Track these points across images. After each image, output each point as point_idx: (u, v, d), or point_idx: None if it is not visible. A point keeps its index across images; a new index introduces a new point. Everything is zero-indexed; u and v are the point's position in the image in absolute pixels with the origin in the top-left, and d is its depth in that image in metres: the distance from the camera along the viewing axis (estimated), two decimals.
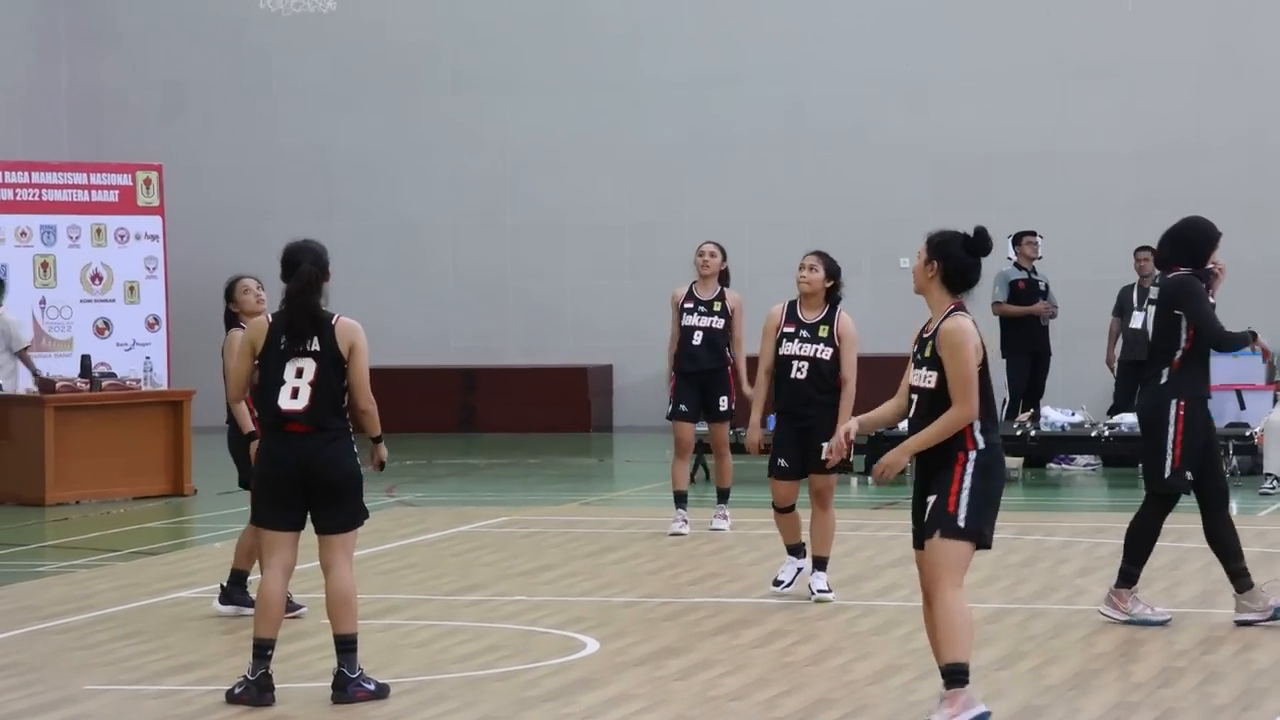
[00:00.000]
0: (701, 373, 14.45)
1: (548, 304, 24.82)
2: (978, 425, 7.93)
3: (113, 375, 18.59)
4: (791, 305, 11.61)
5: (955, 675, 7.93)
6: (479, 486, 18.98)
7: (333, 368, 8.88)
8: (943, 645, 7.95)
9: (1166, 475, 10.45)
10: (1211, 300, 10.68)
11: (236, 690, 8.83)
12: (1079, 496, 17.91)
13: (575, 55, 24.67)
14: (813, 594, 11.51)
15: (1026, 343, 19.87)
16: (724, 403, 14.50)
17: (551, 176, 24.70)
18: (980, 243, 8.07)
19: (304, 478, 8.84)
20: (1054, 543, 13.94)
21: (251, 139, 25.53)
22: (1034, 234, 20.14)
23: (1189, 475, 10.46)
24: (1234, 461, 17.75)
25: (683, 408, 14.53)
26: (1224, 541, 10.56)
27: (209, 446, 21.67)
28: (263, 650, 8.83)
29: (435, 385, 24.47)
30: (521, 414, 24.03)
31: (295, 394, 8.84)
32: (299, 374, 8.86)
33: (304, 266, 8.96)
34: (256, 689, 8.79)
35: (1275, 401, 18.22)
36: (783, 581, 11.70)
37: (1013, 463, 18.50)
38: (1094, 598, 11.55)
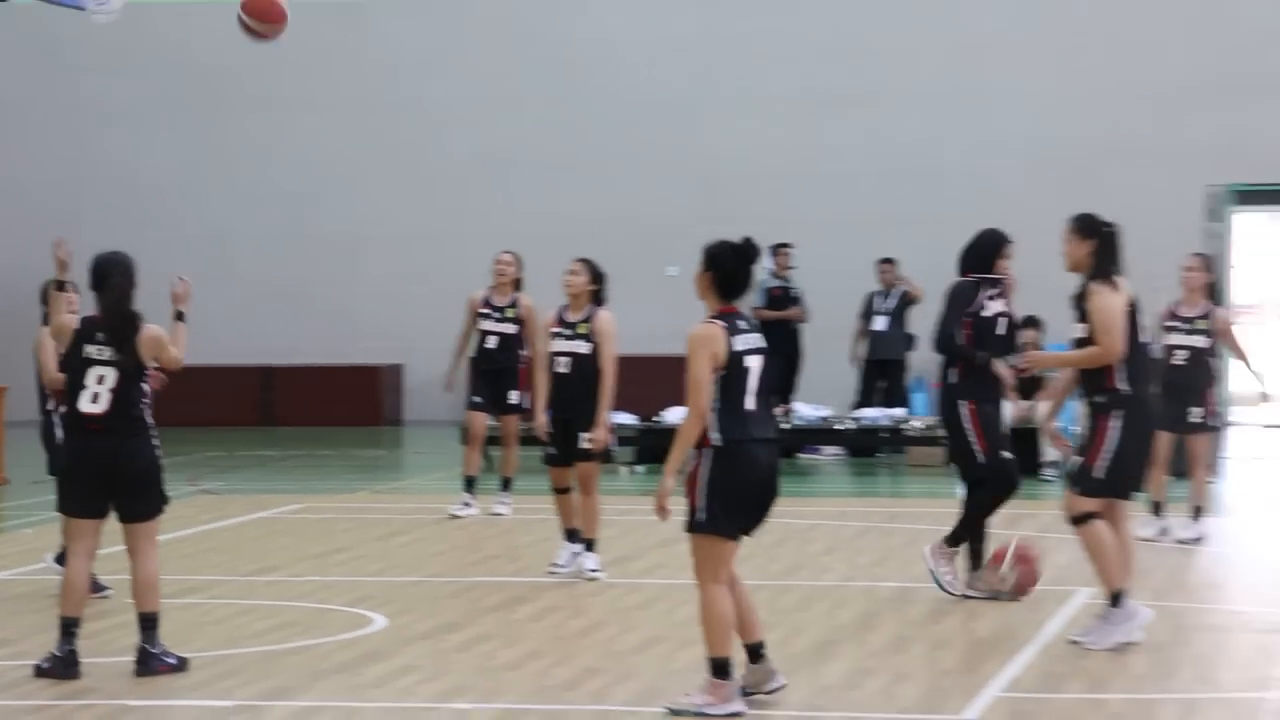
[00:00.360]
0: (495, 370, 14.50)
1: (344, 308, 24.69)
2: (715, 423, 7.83)
3: None
4: (563, 308, 11.70)
5: (714, 667, 7.89)
6: (276, 476, 18.81)
7: (134, 374, 8.86)
8: (705, 638, 7.92)
9: (983, 461, 10.51)
10: (1004, 308, 10.72)
11: (44, 665, 8.70)
12: (825, 483, 18.18)
13: (371, 78, 24.55)
14: (584, 573, 11.59)
15: (780, 344, 20.10)
16: (514, 396, 14.55)
17: (349, 191, 24.55)
18: (748, 252, 8.04)
19: (105, 472, 8.81)
20: (802, 525, 14.12)
21: (66, 153, 25.07)
22: (788, 245, 20.42)
23: (1005, 454, 10.53)
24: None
25: (476, 399, 14.59)
26: (976, 521, 10.66)
27: (22, 439, 21.27)
28: (69, 628, 8.75)
29: (237, 382, 24.26)
30: (317, 410, 23.92)
31: (95, 399, 8.82)
32: (100, 380, 8.83)
33: (114, 279, 8.90)
34: (63, 664, 8.68)
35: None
36: (559, 565, 11.74)
37: None
38: (837, 574, 11.75)
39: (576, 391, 11.55)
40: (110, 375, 8.83)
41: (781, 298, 20.21)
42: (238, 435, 22.70)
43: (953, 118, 23.24)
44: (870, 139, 23.42)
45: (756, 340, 8.00)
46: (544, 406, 11.74)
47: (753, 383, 7.92)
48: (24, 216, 24.72)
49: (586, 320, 11.58)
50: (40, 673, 8.68)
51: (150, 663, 8.76)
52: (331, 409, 23.87)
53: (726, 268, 8.01)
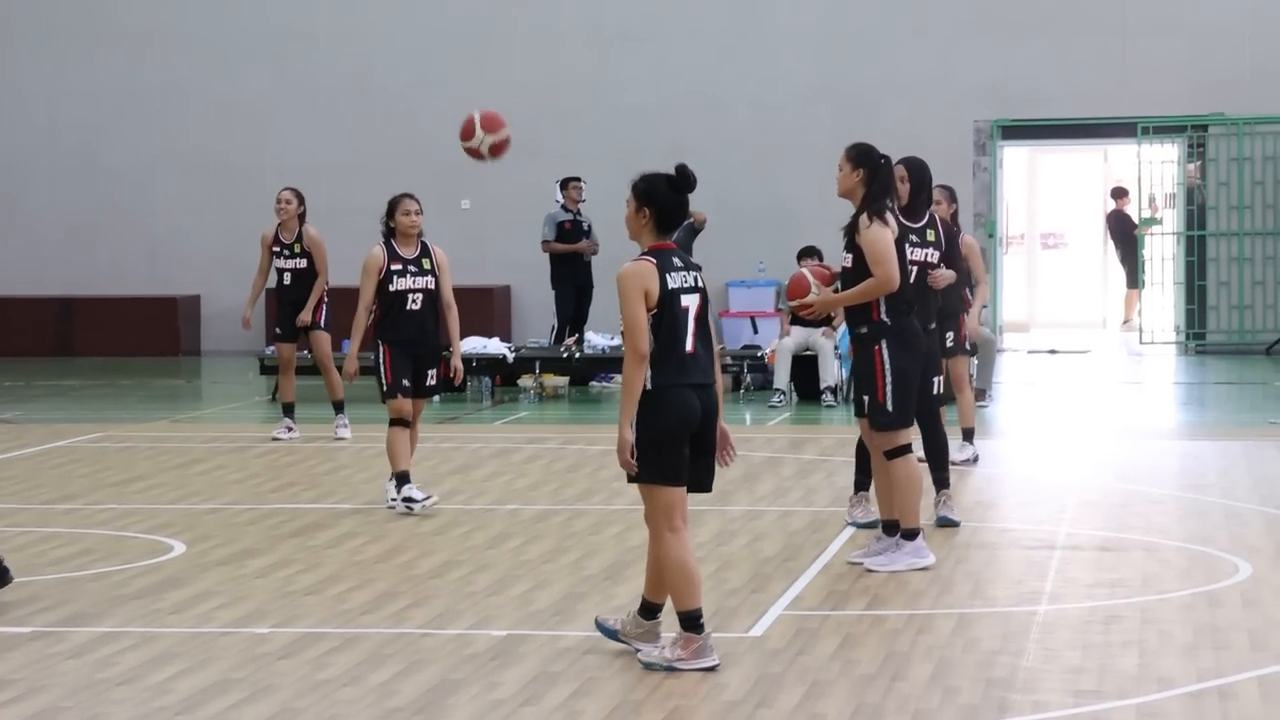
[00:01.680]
0: (294, 301, 14.66)
1: (138, 239, 24.14)
2: (647, 364, 7.25)
3: None
4: (388, 246, 11.42)
5: (683, 621, 7.28)
6: (75, 406, 18.35)
7: None
8: (669, 591, 7.32)
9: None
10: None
11: None
12: (617, 411, 18.16)
13: (168, 9, 23.96)
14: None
15: (572, 276, 20.04)
16: (306, 319, 14.66)
17: (139, 123, 23.98)
18: (685, 181, 7.36)
19: None
20: (595, 451, 14.13)
21: None
22: (579, 179, 20.30)
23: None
24: (748, 379, 18.25)
25: (278, 330, 14.89)
26: (938, 452, 10.38)
27: None
28: None
29: (34, 314, 23.65)
30: (115, 341, 23.40)
31: None
32: None
33: None
34: None
35: (781, 327, 18.71)
36: (410, 501, 11.16)
37: (560, 381, 18.71)
38: (629, 498, 11.76)
39: (427, 327, 11.33)
40: None
41: (573, 230, 20.13)
42: (36, 366, 22.12)
43: (734, 53, 23.30)
44: (654, 74, 23.40)
45: (692, 278, 7.37)
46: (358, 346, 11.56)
47: (690, 324, 7.31)
48: None
49: (426, 255, 11.40)
50: None
51: None
52: (130, 340, 23.38)
53: (665, 201, 7.33)
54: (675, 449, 7.28)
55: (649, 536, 7.45)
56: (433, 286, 11.38)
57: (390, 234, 11.44)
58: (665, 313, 7.26)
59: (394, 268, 11.36)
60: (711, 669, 7.29)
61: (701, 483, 7.46)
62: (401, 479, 11.20)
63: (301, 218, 14.71)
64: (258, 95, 23.88)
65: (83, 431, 15.36)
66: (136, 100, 23.95)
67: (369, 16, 23.81)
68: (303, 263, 14.62)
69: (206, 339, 24.02)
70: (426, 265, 11.43)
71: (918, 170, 10.25)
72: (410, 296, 11.32)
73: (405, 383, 11.31)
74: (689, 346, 7.31)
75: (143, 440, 14.90)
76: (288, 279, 14.69)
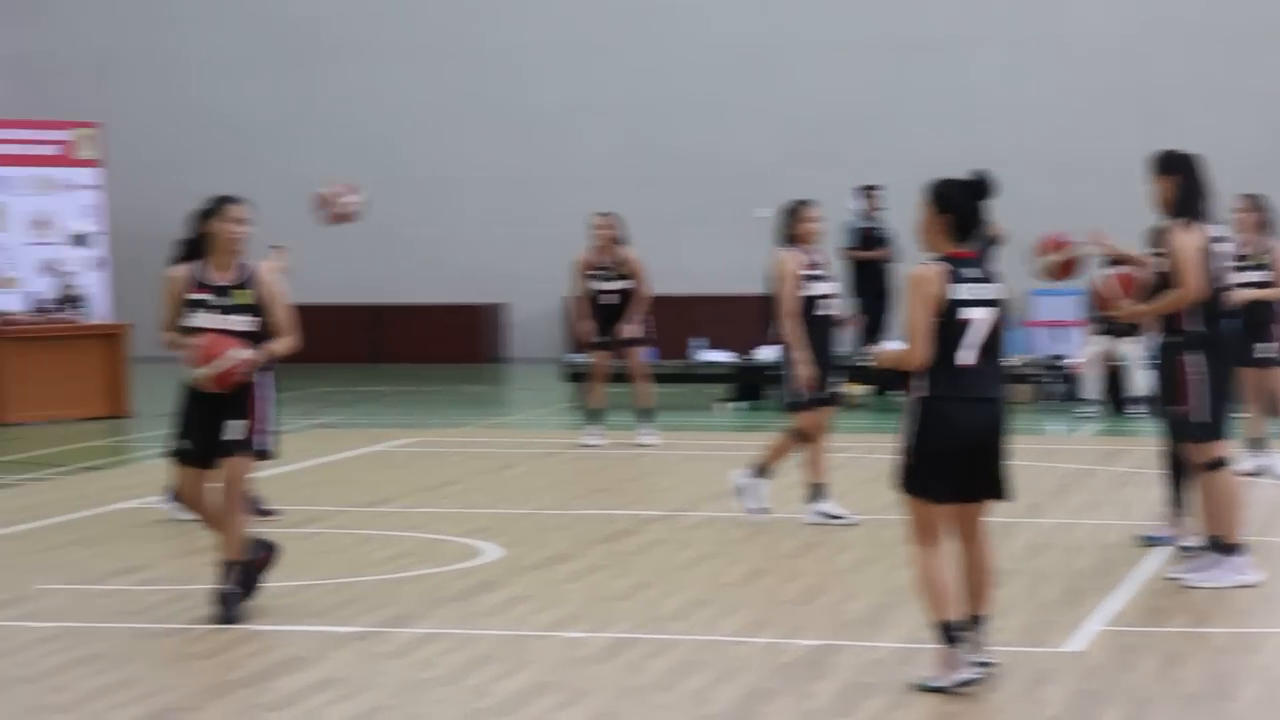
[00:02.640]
0: (613, 317, 14.71)
1: (443, 249, 24.66)
2: (924, 374, 6.95)
3: (60, 309, 18.29)
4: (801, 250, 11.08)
5: (937, 633, 7.01)
6: (387, 411, 18.79)
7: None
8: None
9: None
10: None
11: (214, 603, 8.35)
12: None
13: (470, 23, 24.45)
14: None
15: (871, 284, 19.88)
16: (627, 330, 14.68)
17: (441, 136, 24.48)
18: (983, 186, 6.99)
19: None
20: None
21: (172, 102, 25.14)
22: (877, 188, 20.10)
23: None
24: (1053, 389, 17.87)
25: (594, 339, 14.89)
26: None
27: (146, 374, 21.39)
28: (228, 569, 8.37)
29: (346, 321, 24.29)
30: (422, 347, 23.93)
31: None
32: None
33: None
34: (224, 601, 8.31)
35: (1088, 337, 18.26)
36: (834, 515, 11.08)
37: (862, 389, 18.54)
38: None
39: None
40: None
41: (871, 239, 19.94)
42: (349, 371, 22.71)
43: (1031, 60, 22.87)
44: (953, 82, 23.09)
45: (990, 291, 6.95)
46: (808, 357, 10.94)
47: (974, 335, 6.91)
48: (135, 166, 24.82)
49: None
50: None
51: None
52: (436, 346, 23.89)
53: (962, 206, 6.97)
54: (941, 465, 6.91)
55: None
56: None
57: (792, 239, 11.05)
58: (947, 322, 6.89)
59: (803, 273, 10.98)
60: (968, 683, 6.94)
61: (991, 490, 7.05)
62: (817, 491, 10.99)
63: (615, 240, 14.81)
64: (557, 107, 24.20)
65: (396, 436, 15.70)
66: (442, 113, 24.47)
67: (664, 28, 23.94)
68: (621, 284, 14.73)
69: (511, 345, 24.41)
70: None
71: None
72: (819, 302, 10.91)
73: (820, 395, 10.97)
74: (970, 359, 6.91)
75: (453, 445, 15.17)
76: (606, 300, 14.79)
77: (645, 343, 14.93)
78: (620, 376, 15.35)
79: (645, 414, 14.83)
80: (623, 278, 14.72)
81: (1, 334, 17.05)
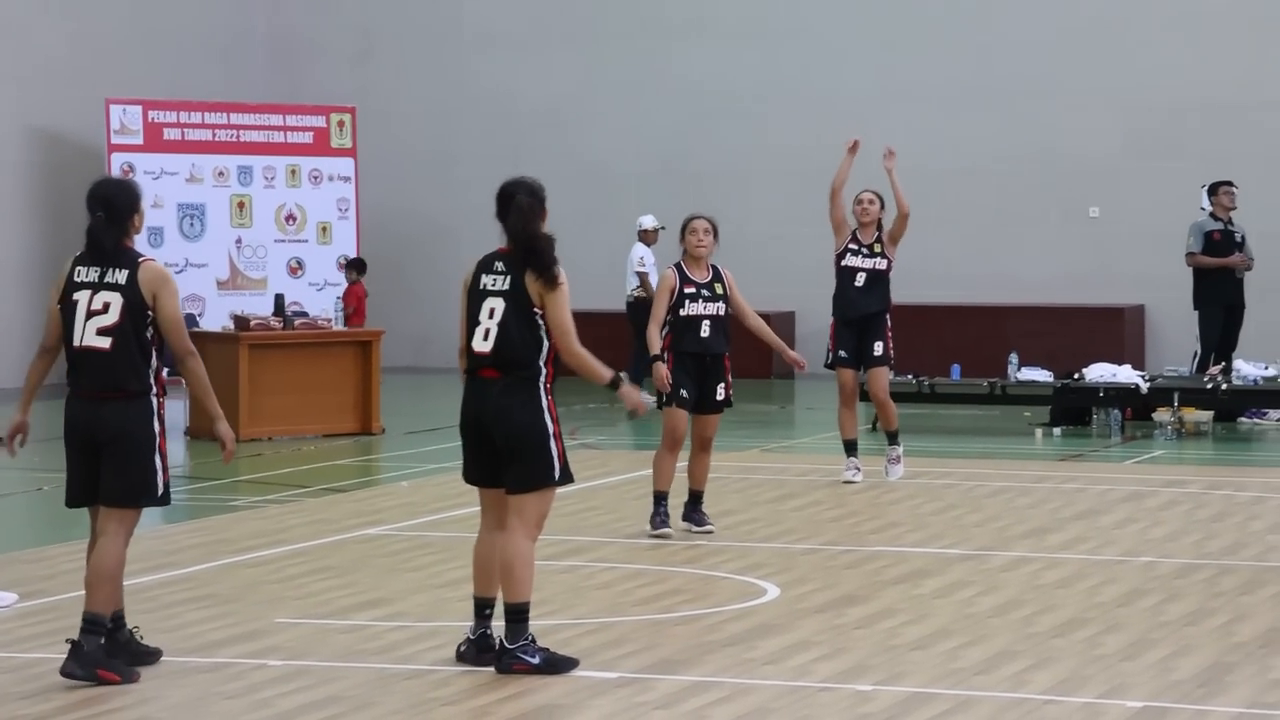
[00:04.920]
0: (861, 318, 14.30)
1: (732, 249, 24.70)
2: None
3: (305, 315, 18.78)
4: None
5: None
6: (659, 430, 18.91)
7: (519, 306, 8.35)
8: None
9: None
10: None
11: (461, 649, 8.50)
12: (1271, 451, 17.55)
13: (760, 2, 24.53)
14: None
15: (1220, 295, 19.45)
16: (879, 348, 14.34)
17: (736, 123, 24.58)
18: None
19: (483, 428, 8.35)
20: (1244, 498, 13.68)
21: (441, 84, 25.66)
22: (1230, 184, 19.68)
23: None
24: None
25: (842, 354, 14.42)
26: None
27: (397, 386, 21.90)
28: (480, 609, 8.46)
29: (618, 330, 24.50)
30: None
31: (486, 334, 8.37)
32: (491, 314, 8.38)
33: (519, 198, 8.49)
34: (474, 649, 8.45)
35: None
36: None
37: (1203, 416, 18.20)
38: None
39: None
40: (499, 307, 8.36)
41: (1223, 242, 19.52)
42: None
43: None
44: None
45: None
46: None
47: None
48: (398, 151, 25.41)
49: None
50: (459, 656, 8.47)
51: (503, 659, 8.36)
52: None
53: None
54: None
55: None
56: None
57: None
58: None
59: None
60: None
61: None
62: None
63: (879, 223, 14.51)
64: (862, 90, 24.13)
65: None
66: (728, 99, 24.55)
67: (978, 6, 23.74)
68: (882, 263, 14.35)
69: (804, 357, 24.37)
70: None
71: None
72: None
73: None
74: None
75: (732, 470, 15.24)
76: (860, 280, 14.31)
77: (886, 362, 14.41)
78: (915, 396, 15.07)
79: (891, 436, 14.58)
80: (882, 256, 14.34)
81: (241, 341, 17.56)
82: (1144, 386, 18.32)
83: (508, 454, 8.30)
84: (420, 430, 18.69)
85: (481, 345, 8.39)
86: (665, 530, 11.97)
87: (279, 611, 9.64)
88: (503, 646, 8.32)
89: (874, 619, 9.50)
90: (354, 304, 22.65)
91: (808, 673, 8.42)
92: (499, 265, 8.45)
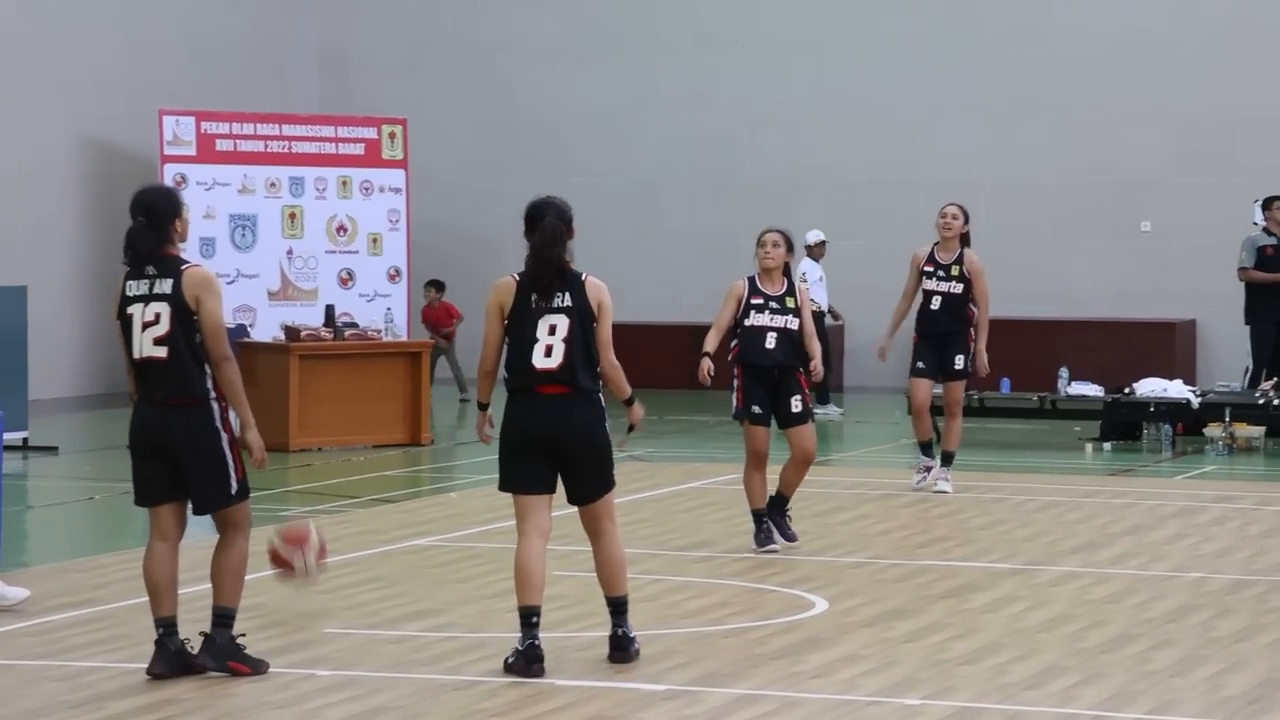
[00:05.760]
0: (941, 334, 14.40)
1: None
2: None
3: (355, 325, 18.85)
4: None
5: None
6: (708, 444, 18.98)
7: (584, 323, 8.58)
8: None
9: None
10: None
11: (509, 660, 8.55)
12: None
13: (813, 13, 24.52)
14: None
15: (1273, 310, 19.36)
16: (959, 362, 14.38)
17: (786, 135, 24.57)
18: None
19: (555, 442, 8.54)
20: None
21: (491, 95, 25.72)
22: None
23: None
24: None
25: (920, 365, 14.53)
26: None
27: (446, 398, 21.96)
28: (527, 618, 8.51)
29: (666, 342, 24.48)
30: None
31: (549, 351, 8.56)
32: (551, 331, 8.57)
33: (548, 221, 8.61)
34: (524, 659, 8.49)
35: None
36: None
37: (1254, 431, 18.11)
38: None
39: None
40: (562, 323, 8.54)
41: (1276, 257, 19.44)
42: (668, 398, 22.95)
43: None
44: None
45: None
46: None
47: None
48: (448, 163, 25.48)
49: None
50: (507, 668, 8.52)
51: (630, 649, 8.73)
52: None
53: None
54: None
55: None
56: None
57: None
58: None
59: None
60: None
61: None
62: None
63: (964, 239, 14.51)
64: (912, 104, 24.10)
65: (716, 472, 15.84)
66: (779, 111, 24.54)
67: (1032, 19, 23.69)
68: (958, 287, 14.44)
69: (850, 373, 24.38)
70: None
71: None
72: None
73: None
74: None
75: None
76: (936, 303, 14.41)
77: (966, 376, 14.53)
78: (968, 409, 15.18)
79: (945, 457, 14.66)
80: (960, 280, 14.39)
81: (292, 351, 17.64)
82: (1195, 401, 18.25)
83: (589, 465, 8.61)
84: (469, 442, 18.73)
85: (544, 362, 8.55)
86: (771, 546, 11.90)
87: (328, 622, 9.68)
88: (625, 636, 8.71)
89: (922, 633, 9.49)
90: (445, 321, 22.84)
91: (855, 686, 8.41)
92: (556, 284, 8.61)
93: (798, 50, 24.55)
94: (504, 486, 8.72)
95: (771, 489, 12.11)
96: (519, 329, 8.60)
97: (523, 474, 8.61)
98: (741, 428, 12.06)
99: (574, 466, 8.61)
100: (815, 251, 21.90)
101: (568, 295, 8.59)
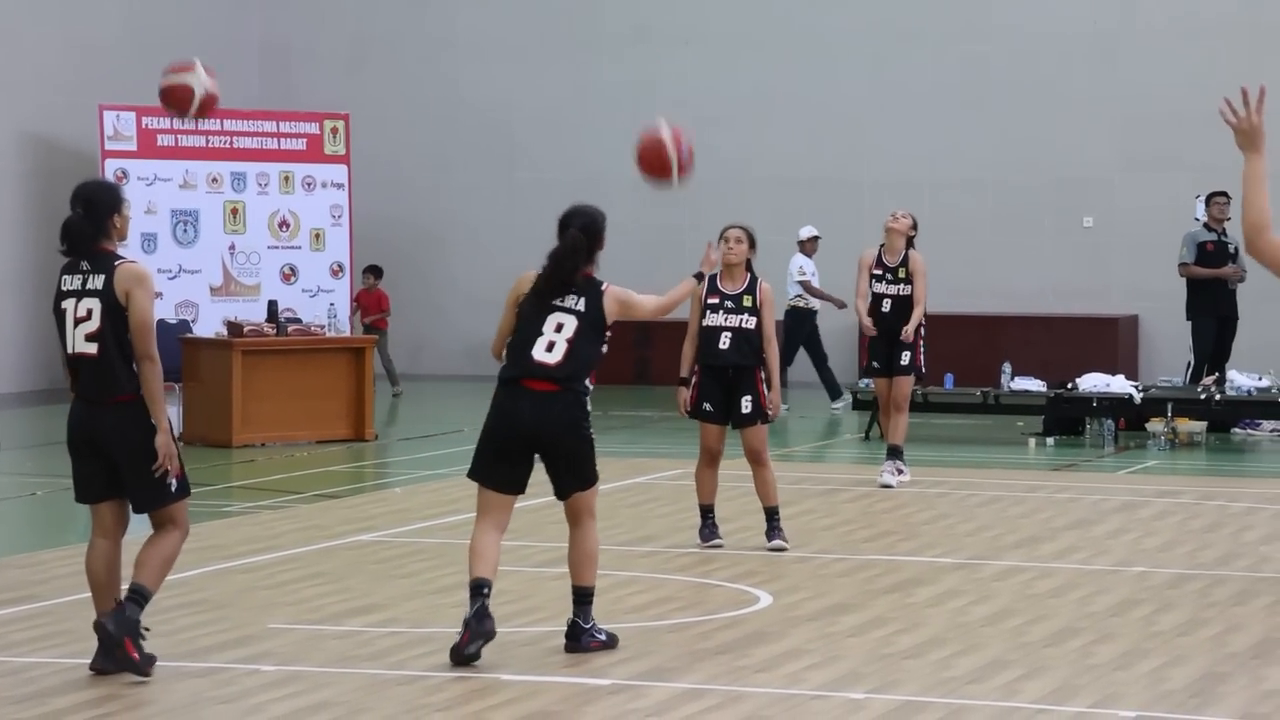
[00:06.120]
0: (888, 330, 14.62)
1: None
2: None
3: (298, 321, 18.79)
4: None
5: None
6: (652, 439, 18.99)
7: (592, 330, 8.79)
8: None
9: None
10: None
11: (456, 639, 8.57)
12: (1264, 462, 17.58)
13: (757, 10, 24.54)
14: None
15: (1214, 306, 19.49)
16: (906, 358, 14.52)
17: (730, 132, 24.60)
18: None
19: (536, 439, 8.69)
20: (1237, 509, 13.70)
21: (434, 90, 25.67)
22: (1224, 194, 19.71)
23: None
24: None
25: (875, 365, 14.82)
26: None
27: (389, 392, 21.89)
28: (478, 589, 8.57)
29: (612, 339, 24.47)
30: None
31: (551, 347, 8.73)
32: (559, 328, 8.75)
33: (571, 232, 8.83)
34: (476, 619, 8.49)
35: None
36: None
37: (1196, 426, 18.23)
38: (1278, 565, 11.35)
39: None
40: (569, 324, 8.76)
41: (1216, 253, 19.57)
42: (613, 394, 22.96)
43: None
44: None
45: None
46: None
47: None
48: (392, 159, 25.41)
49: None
50: (453, 653, 8.51)
51: (582, 638, 8.83)
52: None
53: None
54: None
55: None
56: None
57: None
58: None
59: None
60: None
61: None
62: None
63: (910, 240, 14.70)
64: (856, 101, 24.15)
65: (661, 467, 15.84)
66: (724, 108, 24.55)
67: (972, 14, 23.74)
68: (906, 289, 14.62)
69: (795, 367, 24.40)
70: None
71: None
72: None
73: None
74: None
75: (723, 479, 15.18)
76: (887, 305, 14.68)
77: (911, 372, 14.70)
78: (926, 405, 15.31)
79: (892, 450, 14.76)
80: (907, 282, 14.60)
81: (234, 347, 17.57)
82: (1137, 397, 18.35)
83: (568, 463, 8.75)
84: (413, 437, 18.70)
85: (544, 356, 8.73)
86: (715, 542, 11.92)
87: (272, 617, 9.66)
88: (579, 626, 8.81)
89: (866, 627, 9.52)
90: (375, 308, 22.70)
91: (800, 681, 8.44)
92: (572, 287, 8.81)
93: (741, 47, 24.57)
94: (474, 475, 8.81)
95: (754, 495, 12.07)
96: (526, 321, 8.77)
97: (497, 471, 8.74)
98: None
99: (554, 463, 8.76)
100: (808, 247, 21.98)
101: (582, 300, 8.78)
